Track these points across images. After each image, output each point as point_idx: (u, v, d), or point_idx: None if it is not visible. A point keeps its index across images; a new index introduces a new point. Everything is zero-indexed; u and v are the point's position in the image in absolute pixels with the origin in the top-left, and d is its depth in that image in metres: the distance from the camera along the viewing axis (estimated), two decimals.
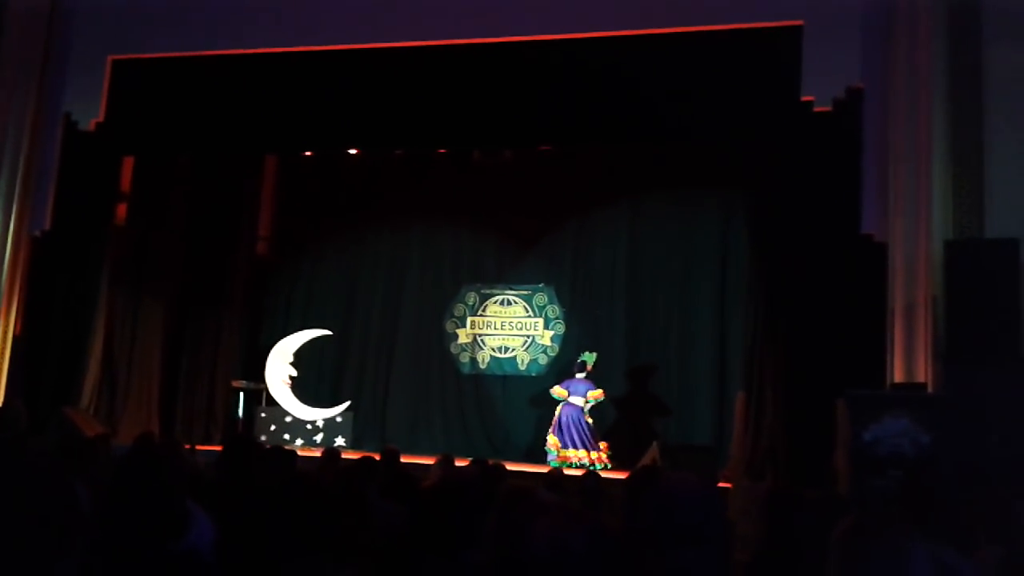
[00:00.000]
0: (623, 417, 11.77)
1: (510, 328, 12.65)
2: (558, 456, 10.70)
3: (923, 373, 8.17)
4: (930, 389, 8.06)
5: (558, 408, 11.07)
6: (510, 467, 6.73)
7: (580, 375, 11.24)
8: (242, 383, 12.25)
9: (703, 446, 10.30)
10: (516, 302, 12.69)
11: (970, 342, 7.86)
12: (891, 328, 8.36)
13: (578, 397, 11.04)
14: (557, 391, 11.23)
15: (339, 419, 12.01)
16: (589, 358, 11.36)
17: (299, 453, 6.14)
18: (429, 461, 8.17)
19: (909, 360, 8.24)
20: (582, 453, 10.68)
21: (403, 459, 6.60)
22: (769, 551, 3.39)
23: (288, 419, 11.98)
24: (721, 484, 8.52)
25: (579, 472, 7.42)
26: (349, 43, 10.36)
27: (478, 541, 2.57)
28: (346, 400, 12.45)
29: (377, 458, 5.87)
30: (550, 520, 1.86)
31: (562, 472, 6.74)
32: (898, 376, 8.24)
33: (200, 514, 2.64)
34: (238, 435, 6.15)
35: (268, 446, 7.11)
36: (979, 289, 7.92)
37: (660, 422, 11.58)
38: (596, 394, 11.07)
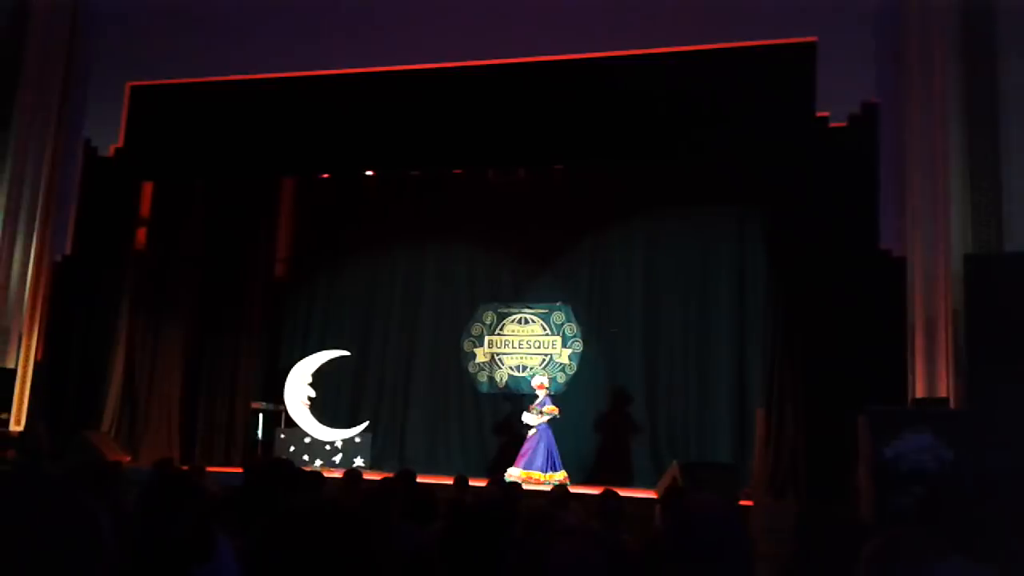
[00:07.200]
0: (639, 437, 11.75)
1: (528, 347, 12.62)
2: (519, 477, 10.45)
3: (945, 388, 8.10)
4: (952, 404, 7.99)
5: (531, 432, 11.00)
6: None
7: (540, 394, 11.23)
8: (261, 404, 12.28)
9: (723, 464, 10.23)
10: (533, 320, 12.67)
11: (992, 356, 7.78)
12: (911, 343, 8.29)
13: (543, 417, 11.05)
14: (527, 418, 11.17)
15: (358, 439, 12.01)
16: (543, 377, 11.54)
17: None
18: (448, 481, 8.17)
19: (930, 375, 8.17)
20: (549, 475, 10.57)
21: (422, 479, 6.59)
22: (796, 570, 3.36)
23: (307, 440, 12.00)
24: (742, 503, 8.46)
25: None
26: (363, 66, 10.45)
27: (503, 562, 2.56)
28: (365, 420, 12.45)
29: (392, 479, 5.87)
30: (571, 541, 1.86)
31: (567, 489, 6.71)
32: (919, 391, 8.16)
33: (224, 540, 2.64)
34: (261, 461, 6.14)
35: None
36: (1000, 303, 7.86)
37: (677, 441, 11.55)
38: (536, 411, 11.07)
